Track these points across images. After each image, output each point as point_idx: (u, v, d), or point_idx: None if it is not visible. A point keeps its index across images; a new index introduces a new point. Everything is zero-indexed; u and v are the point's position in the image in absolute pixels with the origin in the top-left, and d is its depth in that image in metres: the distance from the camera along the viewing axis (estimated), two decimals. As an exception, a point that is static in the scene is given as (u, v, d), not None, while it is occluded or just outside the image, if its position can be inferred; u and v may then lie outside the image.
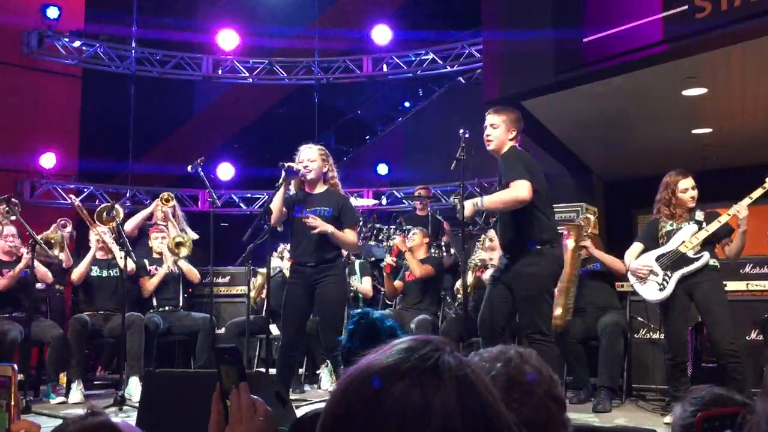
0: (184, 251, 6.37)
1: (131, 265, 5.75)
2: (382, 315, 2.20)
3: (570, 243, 5.37)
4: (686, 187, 4.69)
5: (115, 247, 5.98)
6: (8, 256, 5.76)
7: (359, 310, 2.11)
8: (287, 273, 6.05)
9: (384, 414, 0.76)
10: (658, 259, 4.68)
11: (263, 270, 6.06)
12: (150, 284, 6.24)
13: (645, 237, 4.91)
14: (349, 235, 4.59)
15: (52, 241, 5.80)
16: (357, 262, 6.60)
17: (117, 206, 6.24)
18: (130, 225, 6.62)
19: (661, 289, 4.60)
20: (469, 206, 4.20)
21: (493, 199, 4.19)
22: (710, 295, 4.54)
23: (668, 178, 4.78)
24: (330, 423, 0.80)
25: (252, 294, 6.20)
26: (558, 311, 5.05)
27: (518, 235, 4.21)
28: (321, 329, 4.86)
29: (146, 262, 6.34)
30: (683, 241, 4.60)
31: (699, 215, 4.68)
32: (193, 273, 6.43)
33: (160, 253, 6.38)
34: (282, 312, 4.76)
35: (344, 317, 4.99)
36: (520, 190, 4.04)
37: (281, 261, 6.29)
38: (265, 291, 5.83)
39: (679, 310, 4.62)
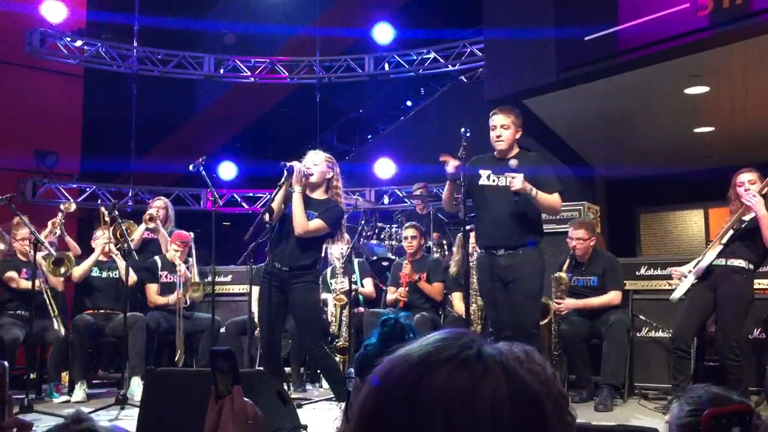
0: (197, 294, 6.32)
1: (133, 278, 5.76)
2: (410, 324, 2.08)
3: None
4: (742, 181, 4.68)
5: (119, 259, 5.97)
6: (25, 257, 5.82)
7: (387, 315, 2.02)
8: None
9: (429, 399, 0.73)
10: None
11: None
12: (154, 300, 6.18)
13: None
14: (313, 220, 4.47)
15: (64, 259, 5.77)
16: (356, 261, 6.50)
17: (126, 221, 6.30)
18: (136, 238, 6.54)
19: (675, 289, 4.86)
20: (527, 185, 4.24)
21: (544, 200, 4.35)
22: (726, 296, 4.62)
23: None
24: (370, 412, 0.78)
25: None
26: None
27: (521, 232, 4.35)
28: (299, 333, 4.85)
29: (158, 262, 6.29)
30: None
31: (750, 215, 4.61)
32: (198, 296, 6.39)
33: (173, 262, 6.32)
34: (259, 313, 4.74)
35: (321, 317, 4.97)
36: (559, 203, 4.44)
37: None
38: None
39: (693, 301, 4.75)
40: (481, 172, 4.49)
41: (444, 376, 0.75)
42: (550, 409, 0.76)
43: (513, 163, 4.35)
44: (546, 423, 0.76)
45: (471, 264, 5.01)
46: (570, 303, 5.32)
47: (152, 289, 6.23)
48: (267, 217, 4.51)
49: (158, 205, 6.74)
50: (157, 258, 6.31)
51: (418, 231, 6.28)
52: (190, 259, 6.35)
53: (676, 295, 4.80)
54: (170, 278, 6.26)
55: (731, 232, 4.63)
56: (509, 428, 0.73)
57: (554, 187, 4.41)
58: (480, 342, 0.79)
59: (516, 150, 4.53)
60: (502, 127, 4.46)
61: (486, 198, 4.46)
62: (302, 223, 4.45)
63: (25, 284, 5.68)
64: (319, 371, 6.18)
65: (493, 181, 4.45)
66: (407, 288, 6.07)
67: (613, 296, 5.34)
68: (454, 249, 6.10)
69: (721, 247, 4.64)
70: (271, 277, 4.56)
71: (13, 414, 1.40)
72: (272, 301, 4.54)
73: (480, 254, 4.61)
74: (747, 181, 4.64)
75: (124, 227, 5.81)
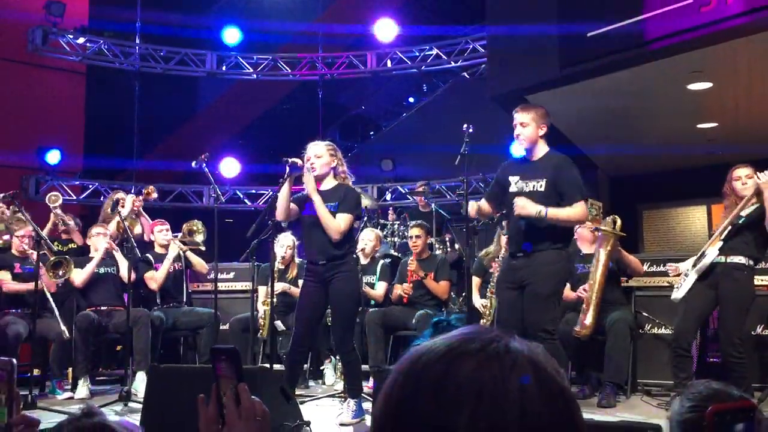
0: (199, 237, 6.34)
1: (132, 276, 5.75)
2: (457, 322, 2.01)
3: (602, 252, 5.12)
4: (739, 176, 4.67)
5: (119, 255, 5.98)
6: (21, 253, 5.82)
7: (439, 318, 1.96)
8: (280, 266, 6.08)
9: (457, 390, 0.73)
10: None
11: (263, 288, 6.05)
12: (158, 278, 6.15)
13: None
14: (339, 219, 4.43)
15: (63, 262, 5.76)
16: (380, 263, 6.48)
17: (124, 195, 6.31)
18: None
19: (677, 288, 4.79)
20: (532, 210, 4.15)
21: (558, 215, 4.18)
22: (727, 294, 4.60)
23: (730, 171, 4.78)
24: (395, 401, 0.77)
25: (261, 312, 6.13)
26: (589, 320, 4.99)
27: (538, 236, 4.24)
28: (332, 325, 4.81)
29: (150, 258, 6.29)
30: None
31: (748, 209, 4.60)
32: (201, 264, 6.41)
33: (164, 247, 6.34)
34: (296, 308, 4.72)
35: (356, 314, 4.94)
36: (582, 213, 4.23)
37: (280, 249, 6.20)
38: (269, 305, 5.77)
39: (693, 299, 4.71)
40: (511, 179, 4.40)
41: (472, 367, 0.74)
42: (576, 403, 0.77)
43: (514, 188, 4.29)
44: (574, 417, 0.76)
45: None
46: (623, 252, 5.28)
47: (151, 273, 6.20)
48: (271, 214, 4.51)
49: (122, 196, 6.53)
50: (147, 255, 6.31)
51: (424, 230, 6.24)
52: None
53: (679, 294, 4.76)
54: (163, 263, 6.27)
55: (730, 227, 4.62)
56: (538, 420, 0.73)
57: (575, 196, 4.20)
58: (507, 337, 0.79)
59: (544, 150, 4.35)
60: (522, 125, 4.33)
61: (511, 204, 4.37)
62: (335, 227, 4.42)
63: (15, 287, 5.67)
64: (322, 367, 6.21)
65: (521, 188, 4.34)
66: (411, 284, 6.07)
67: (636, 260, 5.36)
68: (495, 239, 6.11)
69: (721, 243, 4.62)
70: (311, 275, 4.55)
71: (20, 411, 1.40)
72: (310, 296, 4.53)
73: (504, 256, 4.60)
74: (744, 175, 4.64)
75: (126, 223, 5.82)
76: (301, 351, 4.68)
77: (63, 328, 5.51)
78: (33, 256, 5.51)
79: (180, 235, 6.47)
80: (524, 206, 4.17)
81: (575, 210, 4.18)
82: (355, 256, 4.83)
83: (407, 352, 0.81)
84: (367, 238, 6.27)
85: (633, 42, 5.86)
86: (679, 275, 4.88)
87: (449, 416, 0.73)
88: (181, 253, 6.31)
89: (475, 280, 5.99)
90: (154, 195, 6.71)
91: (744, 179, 4.63)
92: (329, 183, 4.59)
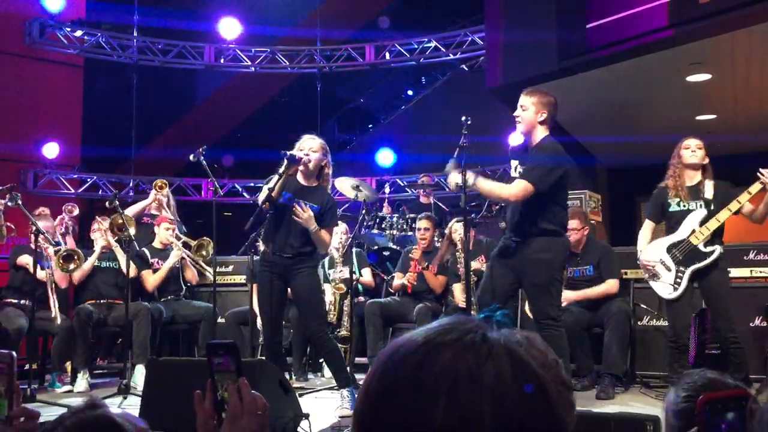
0: (205, 253, 6.32)
1: (134, 269, 5.75)
2: (507, 321, 1.95)
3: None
4: (689, 145, 4.72)
5: (119, 250, 5.96)
6: (39, 247, 5.79)
7: (485, 313, 1.91)
8: None
9: (433, 379, 0.74)
10: (669, 250, 4.69)
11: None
12: (153, 281, 6.16)
13: (653, 212, 4.90)
14: (325, 236, 4.56)
15: (76, 257, 5.77)
16: (354, 252, 6.47)
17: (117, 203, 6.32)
18: (130, 213, 6.48)
19: (675, 288, 4.67)
20: (462, 179, 4.11)
21: (488, 187, 4.21)
22: (716, 285, 4.59)
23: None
24: (374, 392, 0.78)
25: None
26: None
27: (529, 221, 4.18)
28: (305, 318, 4.81)
29: (147, 252, 6.28)
30: (693, 230, 4.60)
31: (708, 190, 4.61)
32: (193, 275, 6.37)
33: (166, 245, 6.32)
34: (259, 302, 4.72)
35: (324, 303, 4.94)
36: (512, 192, 4.11)
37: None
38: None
39: (684, 296, 4.67)
40: (512, 162, 4.38)
41: (448, 357, 0.75)
42: (554, 393, 0.77)
43: (514, 173, 4.22)
44: (550, 406, 0.76)
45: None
46: (568, 296, 5.22)
47: (148, 273, 6.19)
48: (267, 205, 4.51)
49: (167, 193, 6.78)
50: (144, 249, 6.30)
51: (432, 223, 6.21)
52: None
53: (677, 294, 4.64)
54: (162, 263, 6.25)
55: (704, 212, 4.59)
56: (512, 409, 0.73)
57: (526, 176, 4.11)
58: (485, 327, 0.79)
59: (540, 137, 4.23)
60: (521, 108, 4.27)
61: None
62: (325, 245, 4.65)
63: (38, 272, 5.67)
64: (321, 360, 6.21)
65: (518, 171, 4.27)
66: (415, 275, 6.05)
67: (610, 285, 5.31)
68: (444, 241, 6.05)
69: (702, 236, 4.58)
70: (272, 266, 4.54)
71: (20, 403, 1.41)
72: (274, 289, 4.53)
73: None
74: (694, 145, 4.72)
75: (123, 219, 5.81)
76: (278, 342, 4.70)
77: (58, 316, 5.52)
78: (47, 250, 5.55)
79: (186, 243, 6.42)
80: (454, 176, 4.19)
81: (509, 188, 4.12)
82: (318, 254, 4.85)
83: (388, 344, 0.81)
84: (340, 231, 6.24)
85: (632, 33, 5.85)
86: (654, 271, 4.73)
87: (426, 407, 0.73)
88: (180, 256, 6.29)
89: (458, 286, 5.93)
90: (166, 190, 6.79)
91: (694, 148, 4.70)
92: (312, 181, 4.63)
